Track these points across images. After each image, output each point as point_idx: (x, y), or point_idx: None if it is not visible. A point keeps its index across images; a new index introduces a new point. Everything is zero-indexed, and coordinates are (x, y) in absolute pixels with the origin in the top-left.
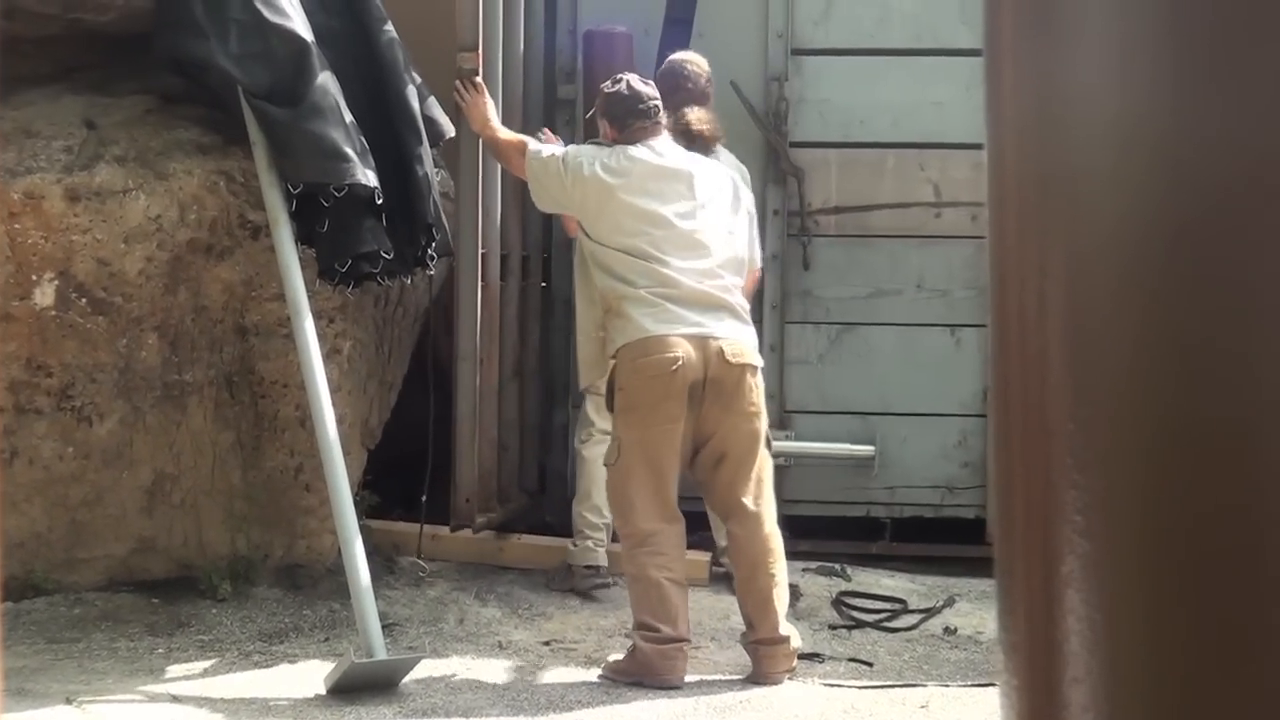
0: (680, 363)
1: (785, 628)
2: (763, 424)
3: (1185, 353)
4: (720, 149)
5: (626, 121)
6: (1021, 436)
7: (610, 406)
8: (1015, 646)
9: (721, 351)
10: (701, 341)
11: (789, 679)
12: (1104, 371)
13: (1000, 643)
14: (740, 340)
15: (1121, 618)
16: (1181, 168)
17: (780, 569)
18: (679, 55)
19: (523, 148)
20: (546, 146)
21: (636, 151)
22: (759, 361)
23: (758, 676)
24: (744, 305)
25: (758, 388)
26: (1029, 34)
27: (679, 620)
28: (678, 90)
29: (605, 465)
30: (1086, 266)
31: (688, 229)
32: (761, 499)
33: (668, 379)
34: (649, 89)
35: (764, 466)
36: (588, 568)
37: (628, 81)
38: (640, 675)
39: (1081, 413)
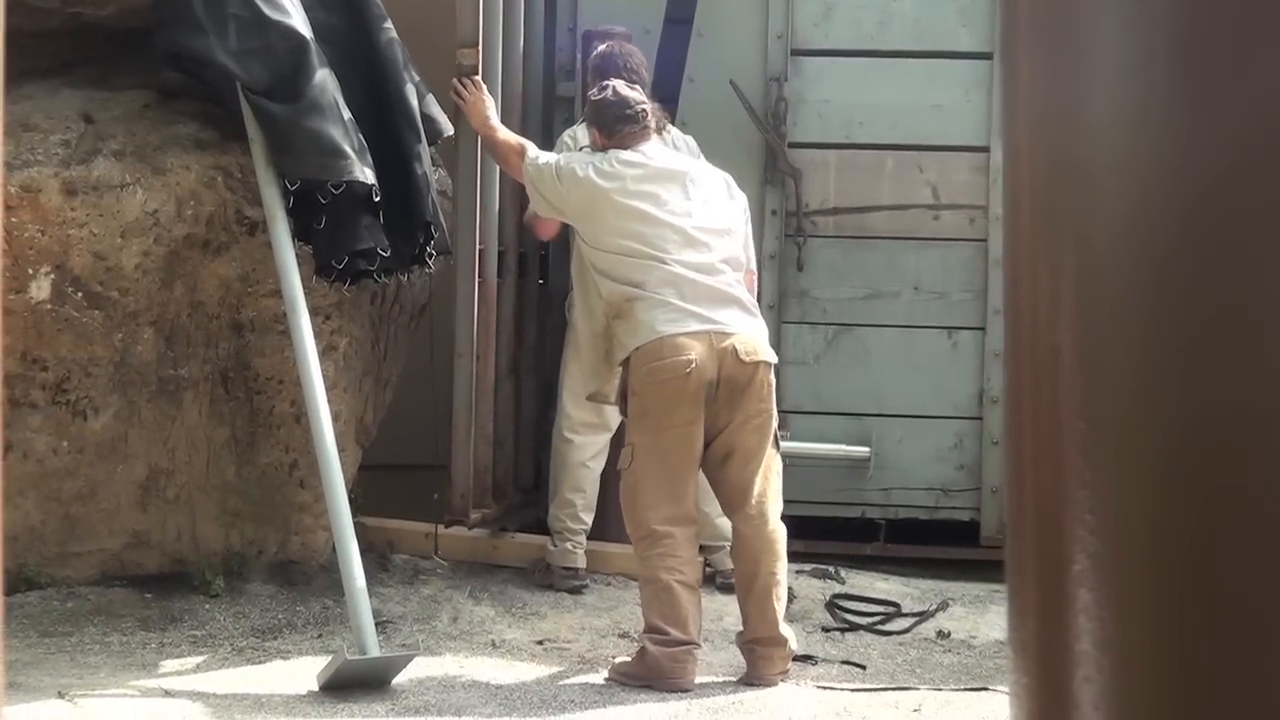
0: (694, 365)
1: (784, 629)
2: (773, 421)
3: (1196, 352)
4: (673, 129)
5: (615, 128)
6: (1033, 435)
7: (623, 412)
8: (1025, 645)
9: (734, 350)
10: (713, 339)
11: (782, 681)
12: (1116, 370)
13: (1010, 641)
14: (752, 336)
15: (1133, 617)
16: (1192, 169)
17: (781, 569)
18: (611, 45)
19: (522, 151)
20: (544, 153)
21: (628, 155)
22: (772, 358)
23: (751, 677)
24: (750, 299)
25: (769, 384)
26: (1043, 34)
27: (689, 623)
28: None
29: (619, 470)
30: (1099, 266)
31: (685, 226)
32: (767, 497)
33: (682, 382)
34: (635, 94)
35: (772, 464)
36: (566, 569)
37: (614, 88)
38: (649, 679)
39: (1093, 411)
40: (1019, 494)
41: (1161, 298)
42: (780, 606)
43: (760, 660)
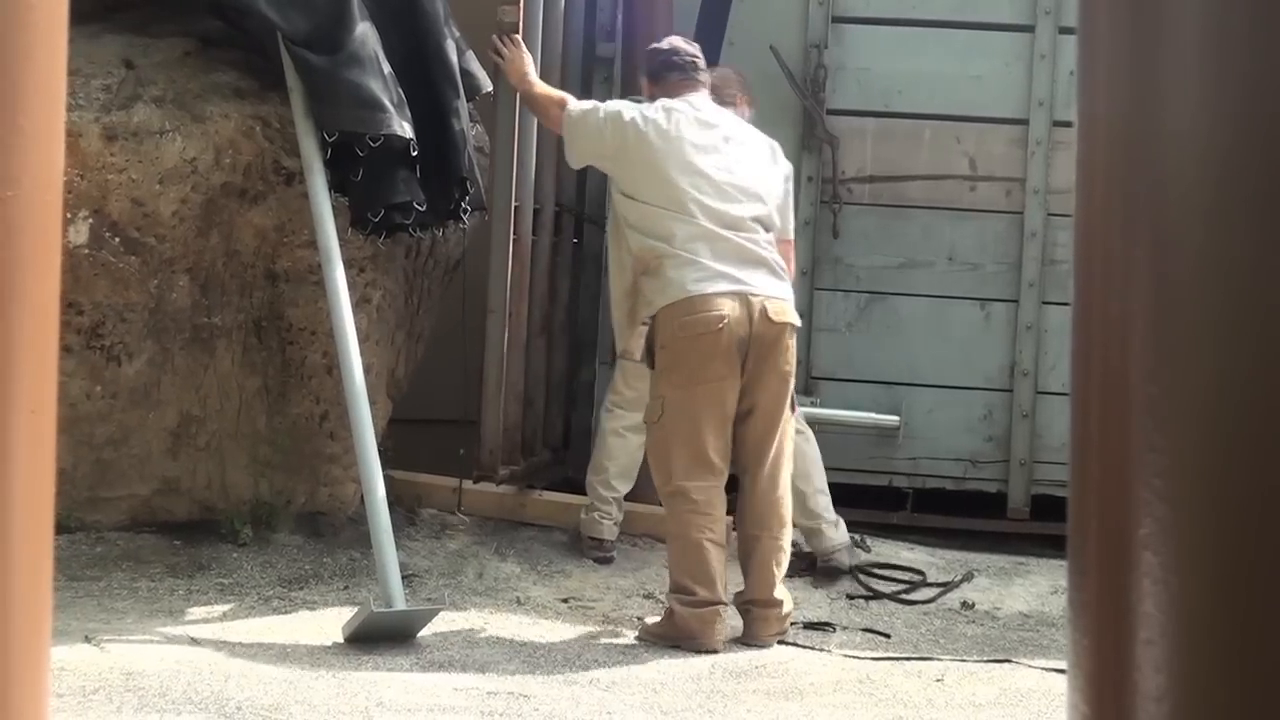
0: (726, 320)
1: (780, 591)
2: (791, 384)
3: (1271, 321)
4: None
5: (663, 74)
6: (1101, 398)
7: (651, 365)
8: (1085, 606)
9: (765, 309)
10: (744, 299)
11: (778, 642)
12: (1188, 337)
13: (1070, 602)
14: (781, 298)
15: (1199, 581)
16: (1269, 140)
17: (786, 535)
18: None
19: (562, 102)
20: (585, 101)
21: (673, 104)
22: (797, 321)
23: (747, 638)
24: (779, 261)
25: (792, 348)
26: (1123, 5)
27: (717, 583)
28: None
29: (646, 423)
30: (1173, 235)
31: (723, 182)
32: (780, 460)
33: (714, 337)
34: (690, 47)
35: (788, 428)
36: (592, 539)
37: (670, 40)
38: (677, 639)
39: (1163, 376)
40: (1083, 456)
41: (1237, 266)
42: (780, 571)
43: (756, 621)
